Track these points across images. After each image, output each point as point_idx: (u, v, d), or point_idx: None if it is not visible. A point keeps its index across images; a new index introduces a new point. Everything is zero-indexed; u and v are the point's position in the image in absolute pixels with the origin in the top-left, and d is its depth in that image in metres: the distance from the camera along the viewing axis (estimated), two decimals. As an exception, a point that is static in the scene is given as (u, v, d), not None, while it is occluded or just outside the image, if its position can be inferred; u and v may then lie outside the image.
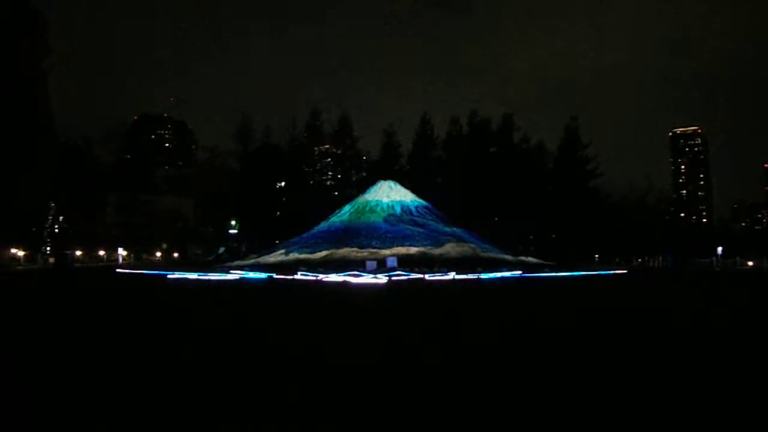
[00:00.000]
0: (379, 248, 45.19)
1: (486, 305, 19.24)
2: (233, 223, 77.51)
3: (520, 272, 38.73)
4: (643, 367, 8.06)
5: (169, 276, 36.31)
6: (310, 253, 46.56)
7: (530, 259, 49.95)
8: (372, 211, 52.33)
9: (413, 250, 45.30)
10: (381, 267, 39.78)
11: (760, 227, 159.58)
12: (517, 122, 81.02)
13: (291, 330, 12.39)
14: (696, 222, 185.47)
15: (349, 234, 48.92)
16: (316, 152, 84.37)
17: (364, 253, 44.20)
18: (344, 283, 32.01)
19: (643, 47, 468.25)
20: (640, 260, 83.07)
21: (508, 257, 47.02)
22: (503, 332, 12.10)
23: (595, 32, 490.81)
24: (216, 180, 79.53)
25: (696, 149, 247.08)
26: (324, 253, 45.95)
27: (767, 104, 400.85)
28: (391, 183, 56.75)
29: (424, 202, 55.26)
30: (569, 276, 36.86)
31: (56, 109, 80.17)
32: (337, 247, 46.57)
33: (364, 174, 79.53)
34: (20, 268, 55.05)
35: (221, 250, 75.24)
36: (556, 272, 39.01)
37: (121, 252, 72.97)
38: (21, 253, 62.63)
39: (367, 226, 50.03)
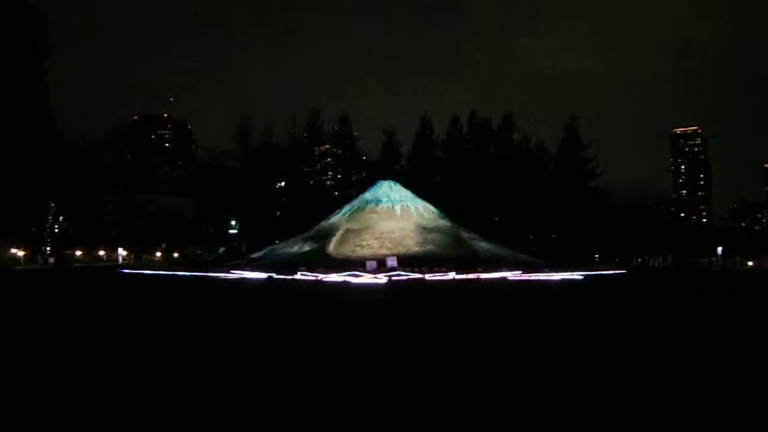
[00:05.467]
0: (379, 248, 45.13)
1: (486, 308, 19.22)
2: (233, 223, 77.45)
3: (519, 272, 38.69)
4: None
5: (169, 276, 36.35)
6: (310, 252, 46.55)
7: (530, 259, 49.88)
8: (372, 211, 52.26)
9: (413, 250, 45.26)
10: (381, 267, 39.75)
11: (760, 227, 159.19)
12: (517, 122, 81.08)
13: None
14: (696, 222, 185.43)
15: (349, 234, 48.87)
16: (316, 152, 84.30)
17: (364, 253, 44.16)
18: (344, 283, 32.02)
19: (643, 47, 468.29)
20: (640, 260, 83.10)
21: (508, 257, 46.94)
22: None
23: (596, 32, 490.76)
24: (216, 180, 79.45)
25: (696, 149, 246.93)
26: (324, 253, 45.92)
27: (767, 104, 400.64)
28: (391, 183, 56.65)
29: (424, 202, 55.19)
30: (568, 277, 36.83)
31: (56, 109, 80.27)
32: (337, 247, 46.55)
33: (364, 174, 79.45)
34: (20, 268, 55.07)
35: (221, 250, 75.25)
36: (556, 272, 38.98)
37: (121, 252, 72.93)
38: (21, 253, 62.62)
39: (367, 226, 49.97)
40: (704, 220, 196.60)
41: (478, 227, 54.86)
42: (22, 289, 27.46)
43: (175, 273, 39.18)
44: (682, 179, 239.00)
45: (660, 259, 79.75)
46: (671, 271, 57.48)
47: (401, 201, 53.70)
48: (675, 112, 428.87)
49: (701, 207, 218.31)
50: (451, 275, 35.80)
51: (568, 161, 77.94)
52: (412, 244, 46.58)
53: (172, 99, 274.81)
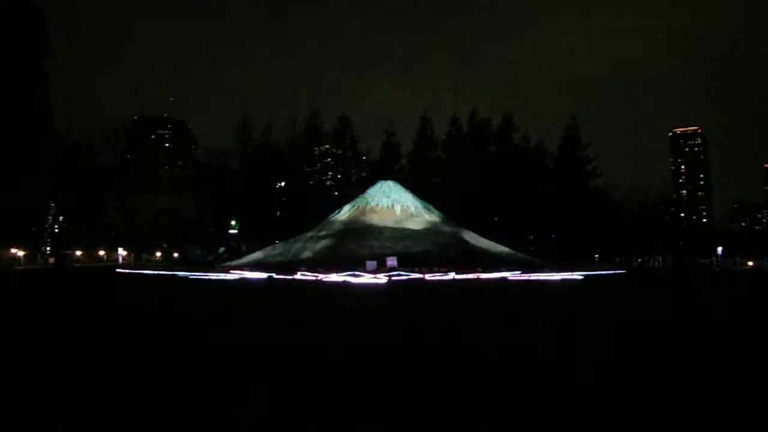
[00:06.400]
0: (379, 248, 45.09)
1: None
2: (233, 223, 77.38)
3: (519, 272, 38.64)
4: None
5: (169, 276, 36.36)
6: (310, 252, 46.55)
7: (530, 259, 49.90)
8: (372, 211, 52.24)
9: (413, 250, 45.22)
10: (381, 267, 39.72)
11: (760, 227, 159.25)
12: (517, 122, 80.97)
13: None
14: (696, 222, 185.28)
15: (349, 234, 48.84)
16: (316, 152, 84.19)
17: (364, 252, 44.10)
18: (344, 283, 32.01)
19: (643, 47, 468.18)
20: (640, 260, 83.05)
21: (508, 257, 46.94)
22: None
23: (596, 32, 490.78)
24: (216, 180, 79.40)
25: (696, 149, 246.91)
26: (324, 253, 45.90)
27: (767, 104, 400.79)
28: (391, 183, 56.64)
29: (424, 202, 55.19)
30: (568, 277, 36.80)
31: (56, 109, 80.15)
32: (337, 247, 46.52)
33: (364, 174, 79.36)
34: (20, 268, 55.05)
35: (221, 250, 75.18)
36: (556, 272, 38.92)
37: (121, 252, 72.89)
38: (21, 253, 62.59)
39: (367, 226, 49.96)
40: (704, 220, 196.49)
41: (478, 227, 54.84)
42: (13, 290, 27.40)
43: (175, 273, 39.08)
44: (682, 179, 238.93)
45: (660, 259, 79.66)
46: (671, 272, 57.41)
47: (401, 201, 53.67)
48: (675, 112, 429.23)
49: (701, 207, 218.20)
50: (451, 275, 35.74)
51: (568, 161, 77.85)
52: (412, 244, 46.53)
53: (172, 99, 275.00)
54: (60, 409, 5.97)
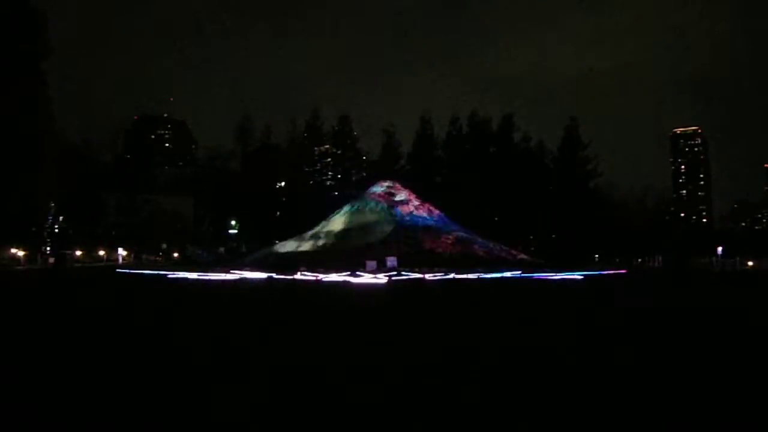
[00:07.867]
0: (379, 248, 45.11)
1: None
2: (233, 223, 77.46)
3: (519, 272, 38.60)
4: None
5: (169, 276, 36.34)
6: (311, 253, 46.58)
7: (530, 259, 49.92)
8: (372, 211, 52.27)
9: (413, 250, 45.25)
10: (381, 267, 39.73)
11: (760, 227, 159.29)
12: (517, 122, 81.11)
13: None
14: (696, 222, 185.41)
15: (349, 234, 48.87)
16: (316, 152, 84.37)
17: (364, 253, 44.12)
18: (344, 283, 31.98)
19: (643, 47, 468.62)
20: (640, 260, 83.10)
21: (509, 257, 46.97)
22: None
23: (596, 32, 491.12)
24: (216, 180, 79.47)
25: (696, 149, 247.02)
26: (324, 253, 45.92)
27: (767, 104, 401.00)
28: (391, 183, 56.67)
29: (424, 203, 55.20)
30: (568, 277, 36.76)
31: (56, 110, 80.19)
32: (337, 247, 46.54)
33: (364, 174, 79.52)
34: (20, 268, 55.03)
35: (221, 250, 75.21)
36: (556, 272, 38.87)
37: (121, 252, 72.91)
38: (21, 253, 62.59)
39: (367, 226, 49.98)
40: (704, 220, 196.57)
41: (478, 227, 54.89)
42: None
43: (174, 273, 39.04)
44: (682, 179, 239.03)
45: (660, 259, 79.74)
46: (669, 271, 57.38)
47: (401, 201, 53.68)
48: (675, 112, 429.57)
49: (701, 207, 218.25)
50: (451, 275, 35.72)
51: (568, 161, 77.98)
52: (412, 244, 46.57)
53: (172, 99, 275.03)
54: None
